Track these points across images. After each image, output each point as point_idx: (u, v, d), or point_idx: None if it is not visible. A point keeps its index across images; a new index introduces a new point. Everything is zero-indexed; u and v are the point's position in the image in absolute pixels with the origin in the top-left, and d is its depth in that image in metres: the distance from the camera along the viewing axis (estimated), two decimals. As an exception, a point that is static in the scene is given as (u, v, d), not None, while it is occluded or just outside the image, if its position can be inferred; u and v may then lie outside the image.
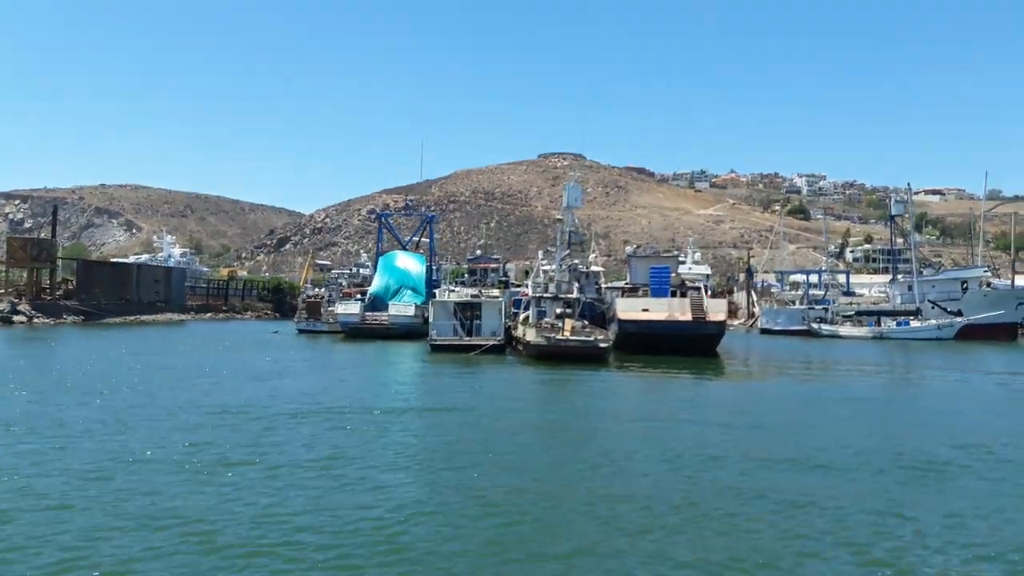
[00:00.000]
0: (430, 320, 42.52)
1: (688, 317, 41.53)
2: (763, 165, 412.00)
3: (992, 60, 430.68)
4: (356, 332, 53.28)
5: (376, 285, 56.49)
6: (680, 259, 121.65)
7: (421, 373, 32.84)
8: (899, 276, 73.43)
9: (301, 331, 58.44)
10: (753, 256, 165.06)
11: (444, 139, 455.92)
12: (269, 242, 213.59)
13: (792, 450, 15.97)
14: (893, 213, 74.10)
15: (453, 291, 46.48)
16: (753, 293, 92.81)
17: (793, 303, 78.86)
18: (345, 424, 18.01)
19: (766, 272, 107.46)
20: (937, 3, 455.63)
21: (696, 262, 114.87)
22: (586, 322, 41.90)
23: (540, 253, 70.74)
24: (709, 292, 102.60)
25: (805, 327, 69.55)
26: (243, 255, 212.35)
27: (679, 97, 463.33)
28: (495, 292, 56.79)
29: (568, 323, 38.63)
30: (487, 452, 15.24)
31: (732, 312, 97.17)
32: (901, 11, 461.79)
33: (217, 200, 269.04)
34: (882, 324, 67.65)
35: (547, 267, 55.88)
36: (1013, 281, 78.87)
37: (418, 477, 13.28)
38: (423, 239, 71.09)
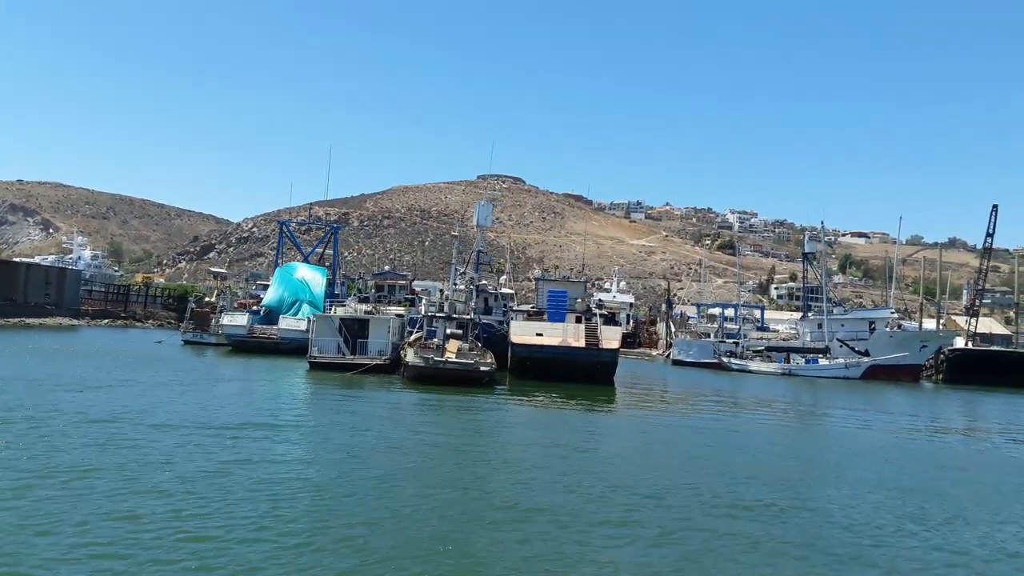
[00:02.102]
0: (311, 336, 39.91)
1: (581, 344, 40.05)
2: (698, 200, 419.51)
3: (922, 109, 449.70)
4: (242, 346, 50.26)
5: (270, 297, 53.55)
6: (605, 287, 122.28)
7: (274, 393, 30.19)
8: (810, 314, 73.82)
9: (187, 342, 54.90)
10: (682, 288, 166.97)
11: (382, 155, 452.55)
12: (192, 249, 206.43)
13: (617, 477, 14.44)
14: (806, 251, 74.66)
15: (344, 306, 44.11)
16: (672, 324, 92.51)
17: (708, 335, 78.56)
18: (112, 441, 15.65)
19: (685, 304, 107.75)
20: (872, 51, 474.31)
21: (621, 290, 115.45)
22: (478, 344, 40.10)
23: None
24: (632, 321, 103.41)
25: (716, 360, 69.08)
26: (164, 261, 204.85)
27: (620, 129, 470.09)
28: (399, 310, 54.65)
29: (454, 344, 36.78)
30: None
31: (653, 343, 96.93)
32: (835, 57, 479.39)
33: (142, 203, 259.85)
34: (791, 361, 67.69)
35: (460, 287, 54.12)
36: (921, 324, 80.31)
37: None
38: (327, 251, 68.30)
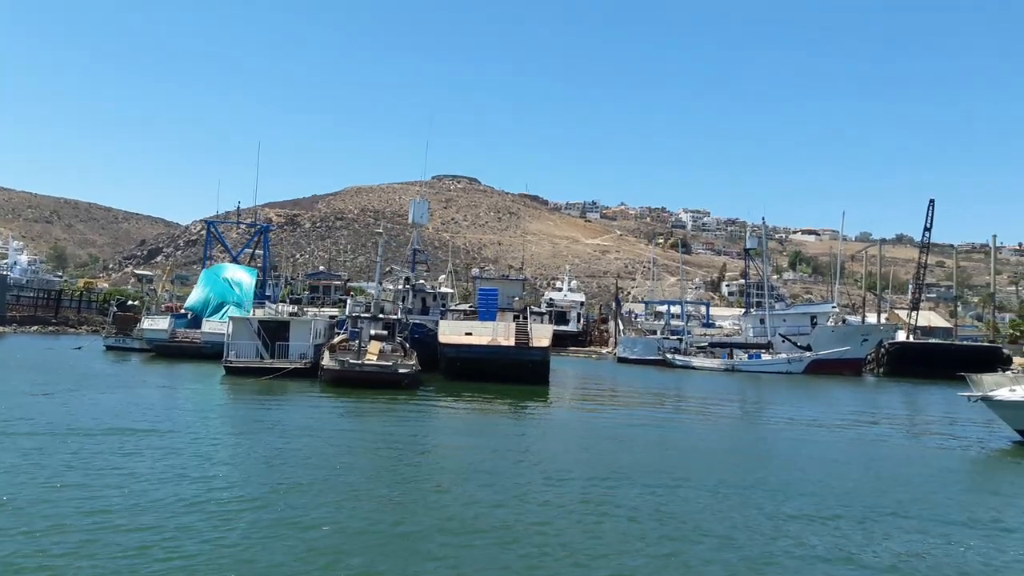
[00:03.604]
0: (227, 339, 38.10)
1: (511, 342, 38.93)
2: (652, 199, 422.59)
3: (879, 107, 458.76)
4: (164, 350, 48.20)
5: (194, 299, 51.40)
6: (557, 286, 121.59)
7: (173, 400, 28.55)
8: (752, 309, 73.78)
9: (109, 347, 52.57)
10: (636, 287, 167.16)
11: (336, 155, 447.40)
12: (139, 253, 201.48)
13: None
14: (748, 247, 74.59)
15: (265, 307, 42.39)
16: (621, 322, 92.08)
17: (655, 333, 78.11)
18: None
19: (634, 302, 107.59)
20: (827, 48, 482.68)
21: (572, 289, 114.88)
22: (405, 345, 38.68)
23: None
24: (582, 319, 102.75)
25: (660, 357, 68.57)
26: (111, 266, 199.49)
27: (576, 130, 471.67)
28: (333, 311, 53.05)
29: (375, 346, 35.35)
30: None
31: (604, 341, 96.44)
32: (791, 57, 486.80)
33: (88, 207, 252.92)
34: (734, 356, 67.45)
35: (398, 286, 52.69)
36: (863, 318, 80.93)
37: None
38: (258, 250, 66.17)
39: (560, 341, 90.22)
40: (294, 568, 9.72)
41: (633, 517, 12.88)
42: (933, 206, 71.95)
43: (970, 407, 27.34)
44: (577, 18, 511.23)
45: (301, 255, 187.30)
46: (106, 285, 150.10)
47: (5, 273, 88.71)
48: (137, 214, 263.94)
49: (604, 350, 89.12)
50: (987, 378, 24.82)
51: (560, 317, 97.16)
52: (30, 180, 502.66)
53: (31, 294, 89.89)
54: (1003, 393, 23.47)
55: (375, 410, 26.63)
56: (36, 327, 78.58)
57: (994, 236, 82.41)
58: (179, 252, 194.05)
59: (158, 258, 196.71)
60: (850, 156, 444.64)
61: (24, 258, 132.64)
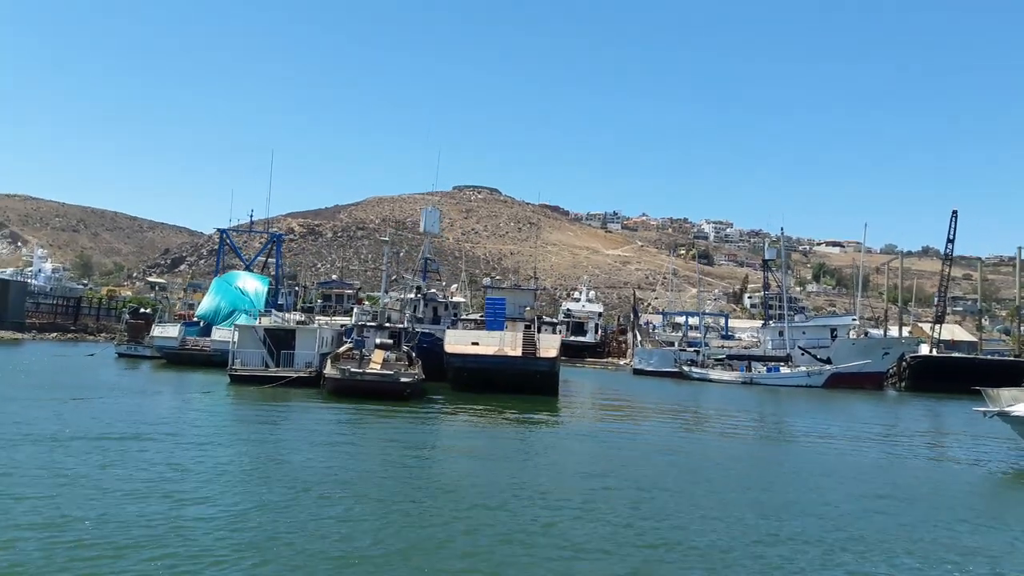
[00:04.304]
0: (232, 348, 37.92)
1: (518, 352, 38.30)
2: (674, 210, 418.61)
3: (892, 121, 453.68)
4: (175, 358, 48.22)
5: (205, 307, 51.43)
6: (575, 296, 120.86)
7: (163, 408, 28.25)
8: (771, 321, 72.57)
9: (121, 355, 52.74)
10: (656, 298, 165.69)
11: (357, 166, 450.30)
12: (163, 262, 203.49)
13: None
14: (766, 258, 73.42)
15: (272, 316, 42.15)
16: (639, 333, 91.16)
17: (672, 344, 77.12)
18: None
19: (653, 313, 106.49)
20: (856, 57, 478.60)
21: (590, 300, 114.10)
22: (411, 354, 38.15)
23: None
24: (600, 330, 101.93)
25: (676, 369, 67.59)
26: (135, 275, 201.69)
27: (599, 140, 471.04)
28: (345, 320, 52.78)
29: (379, 355, 34.92)
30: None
31: (622, 352, 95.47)
32: (822, 65, 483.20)
33: (114, 216, 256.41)
34: (752, 369, 66.34)
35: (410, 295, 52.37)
36: (885, 331, 79.35)
37: None
38: (270, 259, 66.18)
39: (577, 352, 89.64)
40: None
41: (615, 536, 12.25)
42: (956, 217, 70.51)
43: (989, 423, 26.26)
44: (600, 28, 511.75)
45: (322, 264, 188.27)
46: (129, 293, 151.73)
47: (27, 280, 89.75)
48: (162, 223, 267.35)
49: (621, 361, 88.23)
50: (1004, 392, 23.83)
51: (578, 328, 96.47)
52: (58, 190, 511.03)
53: (51, 302, 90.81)
54: (1020, 408, 22.48)
55: (368, 421, 26.12)
56: (55, 334, 79.29)
57: (1020, 248, 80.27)
58: (202, 261, 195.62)
59: (181, 267, 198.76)
60: (876, 167, 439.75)
61: (49, 266, 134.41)
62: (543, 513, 13.52)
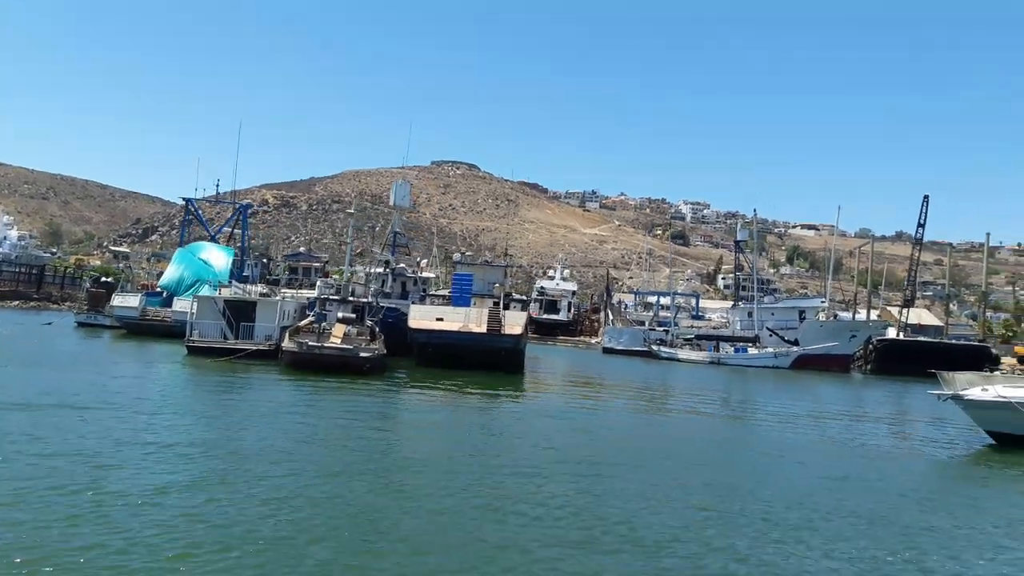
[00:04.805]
0: (190, 319, 37.16)
1: (483, 329, 37.92)
2: (653, 190, 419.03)
3: (874, 108, 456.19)
4: (135, 328, 47.35)
5: (167, 277, 50.52)
6: (549, 275, 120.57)
7: (108, 379, 27.55)
8: (740, 302, 72.81)
9: (80, 324, 51.70)
10: (631, 277, 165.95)
11: (333, 138, 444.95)
12: (134, 231, 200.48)
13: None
14: (738, 239, 73.52)
15: (232, 287, 41.37)
16: (611, 312, 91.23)
17: (643, 323, 77.23)
18: None
19: (626, 292, 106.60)
20: (834, 41, 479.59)
21: (564, 278, 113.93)
22: (374, 329, 37.62)
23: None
24: (574, 308, 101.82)
25: (646, 348, 67.66)
26: (105, 244, 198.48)
27: (578, 118, 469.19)
28: (311, 293, 52.11)
29: (340, 329, 34.40)
30: None
31: (595, 331, 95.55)
32: (803, 50, 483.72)
33: (84, 184, 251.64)
34: (720, 350, 66.59)
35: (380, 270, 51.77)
36: (854, 314, 79.91)
37: None
38: (236, 230, 65.13)
39: (550, 330, 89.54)
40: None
41: (542, 516, 11.95)
42: (927, 202, 71.05)
43: (949, 406, 26.33)
44: (580, 8, 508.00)
45: (296, 237, 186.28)
46: (99, 262, 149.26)
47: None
48: (134, 193, 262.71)
49: (593, 340, 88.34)
50: (959, 376, 23.84)
51: (551, 306, 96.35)
52: (27, 156, 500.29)
53: (15, 269, 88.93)
54: (974, 392, 22.50)
55: (322, 395, 25.67)
56: (17, 302, 77.73)
57: (988, 234, 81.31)
58: (174, 232, 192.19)
59: (152, 237, 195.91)
60: (852, 151, 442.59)
61: (14, 233, 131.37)
62: (486, 489, 13.21)
